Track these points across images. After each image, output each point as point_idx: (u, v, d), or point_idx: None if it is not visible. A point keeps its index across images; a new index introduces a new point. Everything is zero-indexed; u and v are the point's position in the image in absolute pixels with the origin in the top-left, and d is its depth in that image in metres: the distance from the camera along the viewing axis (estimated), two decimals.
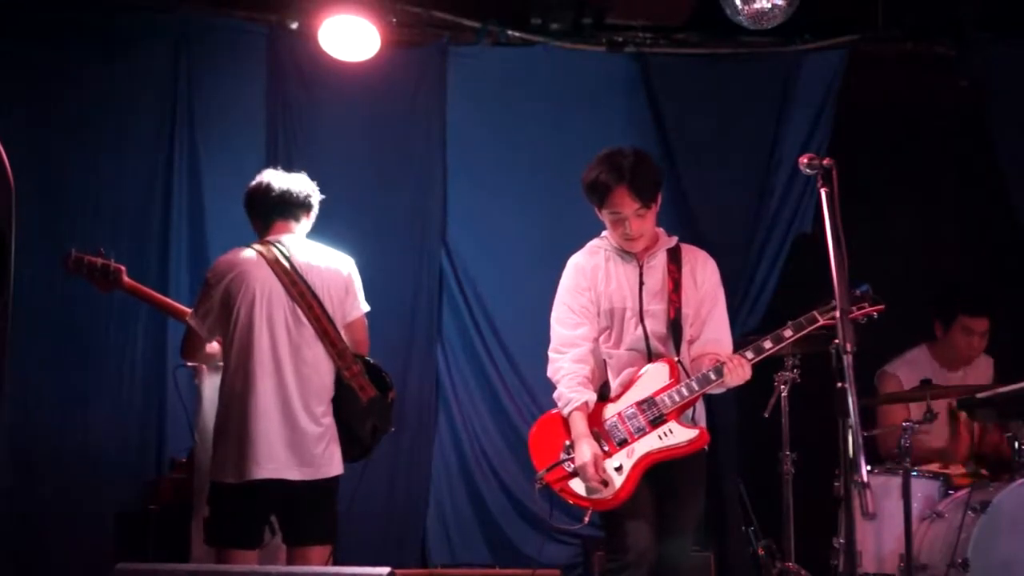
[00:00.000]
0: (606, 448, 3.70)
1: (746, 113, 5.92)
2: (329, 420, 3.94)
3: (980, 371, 5.35)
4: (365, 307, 4.13)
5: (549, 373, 3.87)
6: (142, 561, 4.25)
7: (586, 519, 3.74)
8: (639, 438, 3.71)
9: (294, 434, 3.85)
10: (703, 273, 3.91)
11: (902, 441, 4.55)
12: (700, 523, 4.01)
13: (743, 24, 5.21)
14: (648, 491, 3.71)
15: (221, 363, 4.01)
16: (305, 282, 3.95)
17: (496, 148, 5.83)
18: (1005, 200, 5.85)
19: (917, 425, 4.65)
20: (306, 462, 3.86)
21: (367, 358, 4.08)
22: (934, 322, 5.34)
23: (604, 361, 3.84)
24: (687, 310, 3.84)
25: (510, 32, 5.86)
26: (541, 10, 5.85)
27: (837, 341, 3.05)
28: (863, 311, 3.79)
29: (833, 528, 4.67)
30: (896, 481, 4.58)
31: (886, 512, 4.63)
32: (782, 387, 4.78)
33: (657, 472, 3.72)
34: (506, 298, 5.75)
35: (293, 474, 3.84)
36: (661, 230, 3.95)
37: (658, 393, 3.73)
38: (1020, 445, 4.61)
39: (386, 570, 3.10)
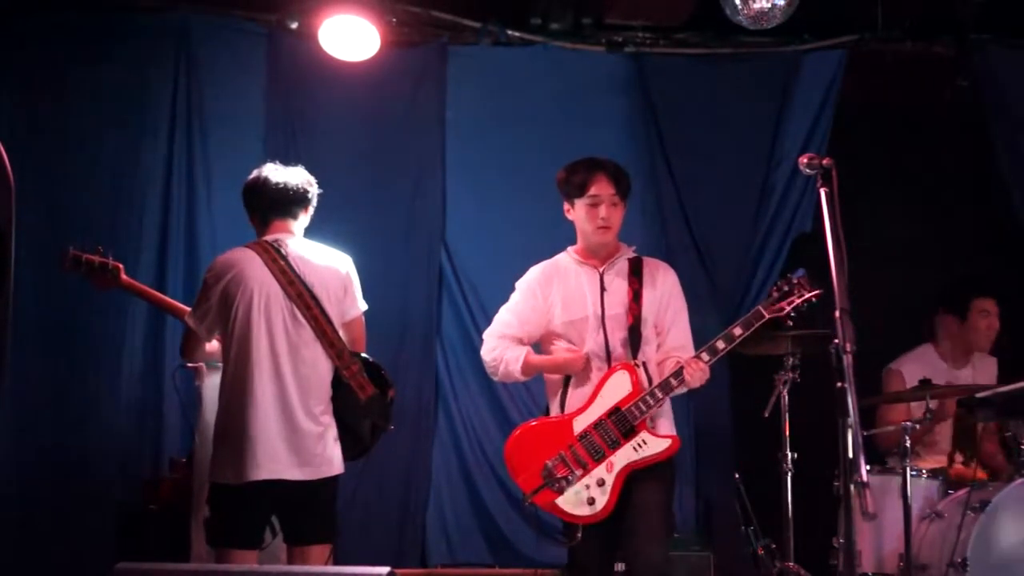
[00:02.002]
0: (586, 465, 3.80)
1: (746, 113, 5.92)
2: (328, 419, 3.94)
3: (986, 370, 5.36)
4: (363, 306, 4.12)
5: (485, 353, 4.08)
6: (142, 561, 4.25)
7: (579, 536, 3.81)
8: (615, 451, 3.81)
9: (293, 434, 3.85)
10: (664, 283, 4.06)
11: (902, 441, 4.56)
12: (672, 527, 4.17)
13: (743, 24, 5.20)
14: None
15: (220, 363, 4.01)
16: (303, 282, 3.94)
17: (496, 148, 5.83)
18: (1005, 200, 5.85)
19: (917, 425, 4.65)
20: (306, 462, 3.85)
21: (366, 356, 4.07)
22: (944, 319, 5.34)
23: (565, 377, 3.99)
24: (647, 316, 3.98)
25: (510, 32, 5.86)
26: (541, 10, 5.85)
27: (837, 341, 3.05)
28: (801, 299, 3.88)
29: (833, 528, 4.67)
30: (896, 481, 4.58)
31: (886, 512, 4.64)
32: (782, 387, 4.78)
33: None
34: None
35: (293, 474, 3.83)
36: (621, 242, 4.11)
37: (624, 403, 3.84)
38: (1020, 445, 4.61)
39: (386, 570, 3.10)
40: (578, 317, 3.97)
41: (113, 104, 5.44)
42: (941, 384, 4.93)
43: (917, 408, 4.89)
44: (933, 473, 4.88)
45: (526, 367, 3.98)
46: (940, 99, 5.96)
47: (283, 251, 3.97)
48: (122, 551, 4.61)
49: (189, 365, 4.39)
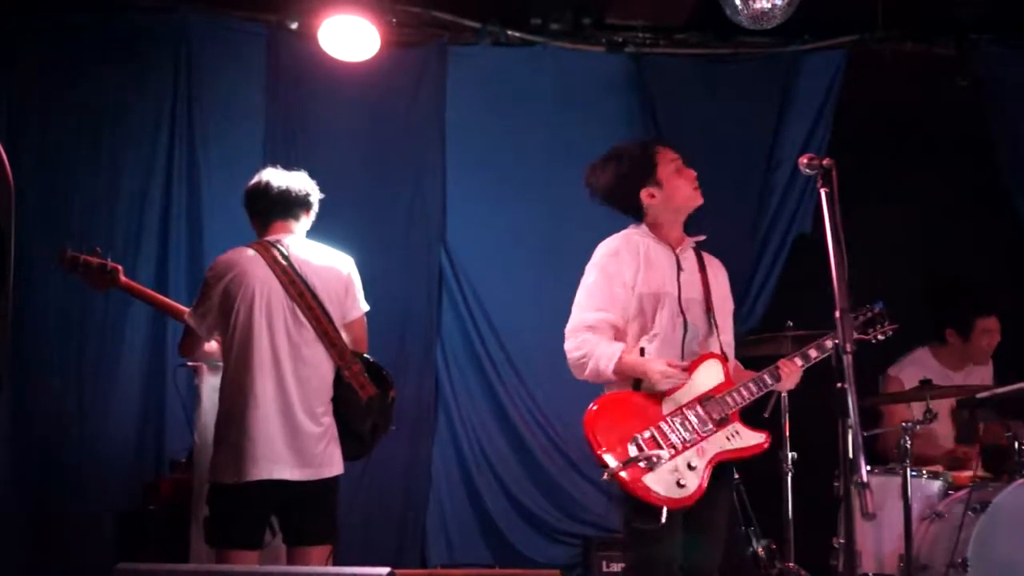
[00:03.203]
0: (676, 446, 3.56)
1: (746, 113, 5.92)
2: (329, 419, 3.94)
3: (982, 375, 5.36)
4: (364, 307, 4.12)
5: (572, 349, 3.70)
6: (142, 561, 4.25)
7: (663, 518, 3.49)
8: (707, 437, 3.62)
9: (294, 434, 3.84)
10: (723, 279, 3.93)
11: (902, 441, 4.56)
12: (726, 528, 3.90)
13: (743, 24, 5.20)
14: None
15: (220, 362, 4.01)
16: (304, 282, 3.94)
17: (496, 148, 5.83)
18: (1005, 200, 5.85)
19: (917, 426, 4.65)
20: (306, 462, 3.85)
21: (367, 357, 4.07)
22: (946, 331, 5.35)
23: (640, 351, 3.71)
24: (716, 306, 3.82)
25: (510, 32, 5.86)
26: (541, 10, 5.85)
27: (837, 341, 3.05)
28: (883, 331, 3.99)
29: (833, 528, 4.67)
30: (896, 481, 4.58)
31: (886, 512, 4.63)
32: None
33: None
34: (506, 298, 5.76)
35: (293, 474, 3.83)
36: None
37: (718, 391, 3.67)
38: (1020, 445, 4.61)
39: (386, 570, 3.10)
40: (657, 290, 3.73)
41: (113, 104, 5.44)
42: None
43: (918, 409, 4.88)
44: (933, 473, 4.88)
45: (619, 367, 3.62)
46: (940, 99, 5.96)
47: (285, 251, 3.97)
48: (122, 551, 4.62)
49: (189, 364, 4.39)
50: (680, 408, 3.63)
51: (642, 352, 3.68)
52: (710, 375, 3.71)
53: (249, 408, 3.82)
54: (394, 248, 5.67)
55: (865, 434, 3.59)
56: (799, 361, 3.75)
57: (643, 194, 3.83)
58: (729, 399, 3.67)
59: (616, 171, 3.83)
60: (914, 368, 5.28)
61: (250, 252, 3.97)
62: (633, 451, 3.51)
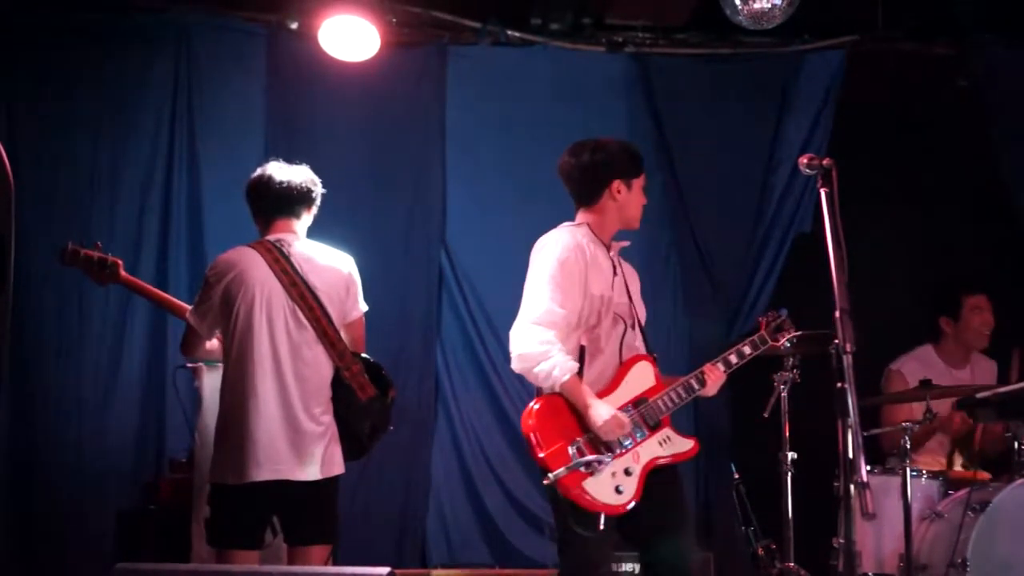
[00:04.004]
0: (613, 450, 3.59)
1: (746, 113, 5.92)
2: (329, 419, 3.93)
3: (985, 372, 5.36)
4: (364, 307, 4.12)
5: (530, 343, 3.61)
6: (142, 561, 4.25)
7: (601, 525, 3.53)
8: (642, 442, 3.68)
9: (294, 434, 3.84)
10: (637, 285, 3.99)
11: (902, 441, 4.56)
12: (692, 525, 3.94)
13: (743, 24, 5.20)
14: None
15: (220, 362, 4.01)
16: (305, 282, 3.94)
17: (496, 148, 5.83)
18: (1005, 200, 5.85)
19: (917, 425, 4.65)
20: (306, 462, 3.85)
21: (367, 357, 4.07)
22: (940, 321, 5.36)
23: (580, 349, 3.71)
24: (638, 311, 3.91)
25: (510, 32, 5.86)
26: (541, 10, 5.85)
27: (837, 341, 3.05)
28: (784, 336, 4.08)
29: (833, 528, 4.67)
30: (896, 481, 4.58)
31: (886, 512, 4.63)
32: (782, 387, 4.78)
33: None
34: (506, 298, 5.68)
35: (293, 474, 3.83)
36: None
37: (650, 395, 3.74)
38: (1020, 445, 4.61)
39: (386, 570, 3.10)
40: (601, 292, 3.75)
41: (113, 104, 5.44)
42: (941, 384, 4.94)
43: (919, 408, 4.88)
44: (933, 473, 4.88)
45: (567, 387, 3.58)
46: (940, 99, 5.96)
47: (285, 251, 3.97)
48: (122, 551, 4.61)
49: (189, 364, 4.39)
50: (618, 410, 3.66)
51: (581, 350, 3.70)
52: (642, 377, 3.78)
53: (250, 408, 3.82)
54: (394, 248, 5.67)
55: (865, 434, 3.58)
56: (721, 367, 3.85)
57: (614, 185, 3.85)
58: (661, 403, 3.74)
59: (604, 154, 3.86)
60: (917, 364, 5.30)
61: (251, 252, 3.96)
62: (573, 454, 3.54)
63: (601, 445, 3.60)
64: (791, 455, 4.82)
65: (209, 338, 4.02)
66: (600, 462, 3.55)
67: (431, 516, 5.64)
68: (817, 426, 3.80)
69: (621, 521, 3.64)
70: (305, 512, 3.90)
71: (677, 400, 3.76)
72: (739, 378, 5.48)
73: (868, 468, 3.11)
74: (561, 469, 3.51)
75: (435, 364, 5.73)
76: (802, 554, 4.81)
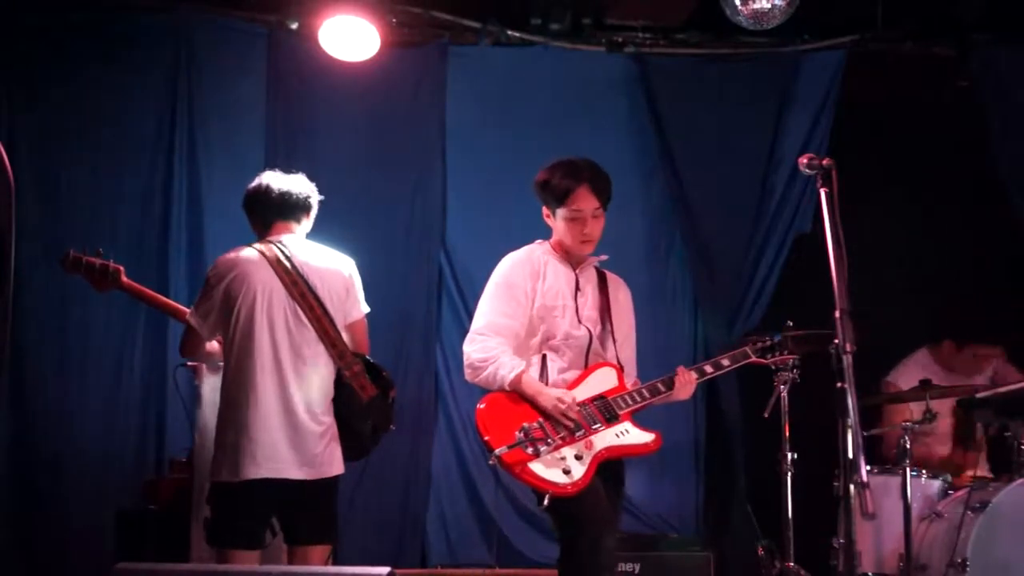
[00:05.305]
0: (565, 437, 3.68)
1: (746, 113, 5.92)
2: (329, 419, 3.94)
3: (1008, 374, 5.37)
4: (365, 308, 4.13)
5: (476, 351, 3.81)
6: (142, 561, 4.25)
7: (546, 502, 3.63)
8: (596, 432, 3.75)
9: (295, 434, 3.85)
10: (625, 303, 4.06)
11: (901, 441, 4.56)
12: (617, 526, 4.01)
13: (743, 24, 5.21)
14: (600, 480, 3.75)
15: (221, 363, 4.01)
16: (306, 283, 3.94)
17: (496, 148, 5.83)
18: (1005, 201, 5.85)
19: (917, 426, 4.65)
20: (307, 462, 3.85)
21: (367, 357, 4.08)
22: (943, 337, 5.36)
23: (542, 358, 3.87)
24: (615, 327, 3.96)
25: (510, 32, 5.86)
26: (541, 10, 5.85)
27: (837, 341, 3.05)
28: (781, 359, 4.18)
29: (833, 528, 4.67)
30: (896, 481, 4.59)
31: (886, 512, 4.64)
32: (782, 387, 4.77)
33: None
34: None
35: (293, 473, 3.83)
36: None
37: (609, 394, 3.82)
38: (1020, 445, 4.61)
39: (386, 570, 3.10)
40: (554, 303, 3.87)
41: (113, 104, 5.45)
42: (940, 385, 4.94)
43: (917, 409, 4.88)
44: (933, 473, 4.88)
45: (516, 383, 3.75)
46: (940, 99, 5.96)
47: (286, 251, 3.97)
48: (122, 551, 4.61)
49: (189, 364, 4.40)
50: (564, 391, 3.77)
51: (544, 360, 3.85)
52: (604, 380, 3.86)
53: (250, 408, 3.82)
54: (394, 249, 5.68)
55: (865, 434, 3.59)
56: (694, 374, 3.91)
57: (544, 210, 4.01)
58: (620, 400, 3.82)
59: (546, 177, 3.96)
60: (915, 368, 5.29)
61: (252, 252, 3.97)
62: (519, 435, 3.66)
63: (552, 431, 3.69)
64: (791, 455, 4.82)
65: (210, 339, 4.02)
66: (546, 442, 3.66)
67: (431, 516, 5.65)
68: (817, 426, 3.81)
69: (562, 503, 3.67)
70: (305, 512, 3.90)
71: (639, 399, 3.82)
72: (739, 378, 5.53)
73: (868, 468, 3.10)
74: (503, 447, 3.65)
75: (435, 364, 5.73)
76: (802, 554, 4.81)
